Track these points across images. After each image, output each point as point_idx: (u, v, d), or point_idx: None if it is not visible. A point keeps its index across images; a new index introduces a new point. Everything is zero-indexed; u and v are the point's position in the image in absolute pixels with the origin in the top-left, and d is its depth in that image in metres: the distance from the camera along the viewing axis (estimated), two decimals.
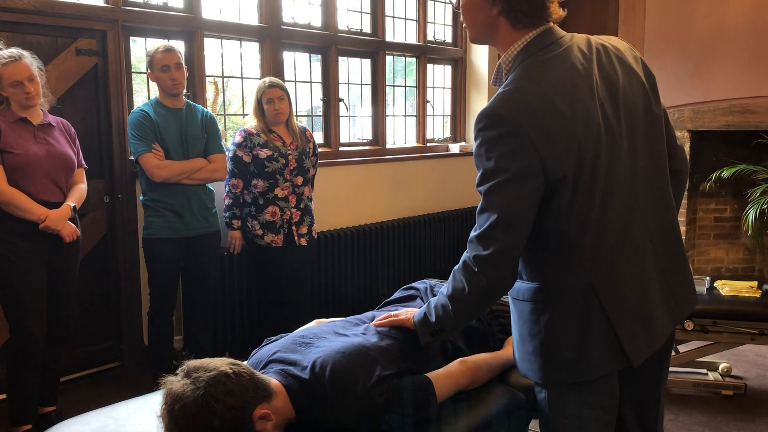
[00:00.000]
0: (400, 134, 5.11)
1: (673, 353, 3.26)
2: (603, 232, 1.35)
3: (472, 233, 1.38)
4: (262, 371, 1.63)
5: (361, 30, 4.65)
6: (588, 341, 1.36)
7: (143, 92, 3.61)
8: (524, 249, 1.37)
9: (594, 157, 1.32)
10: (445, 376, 1.69)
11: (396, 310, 1.99)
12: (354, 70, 4.65)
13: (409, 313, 1.72)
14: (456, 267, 1.43)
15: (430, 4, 5.15)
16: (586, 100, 1.32)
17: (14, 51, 2.60)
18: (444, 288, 1.48)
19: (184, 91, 3.16)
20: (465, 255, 1.39)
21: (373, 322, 1.81)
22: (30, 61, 2.61)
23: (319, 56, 4.41)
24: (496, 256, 1.33)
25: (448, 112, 5.48)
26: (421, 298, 2.07)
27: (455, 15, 5.42)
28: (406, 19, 5.01)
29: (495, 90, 1.41)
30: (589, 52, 1.40)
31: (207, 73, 3.75)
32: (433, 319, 1.51)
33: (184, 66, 3.10)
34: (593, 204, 1.33)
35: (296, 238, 3.44)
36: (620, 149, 1.37)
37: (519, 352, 1.49)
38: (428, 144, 5.23)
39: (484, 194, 1.33)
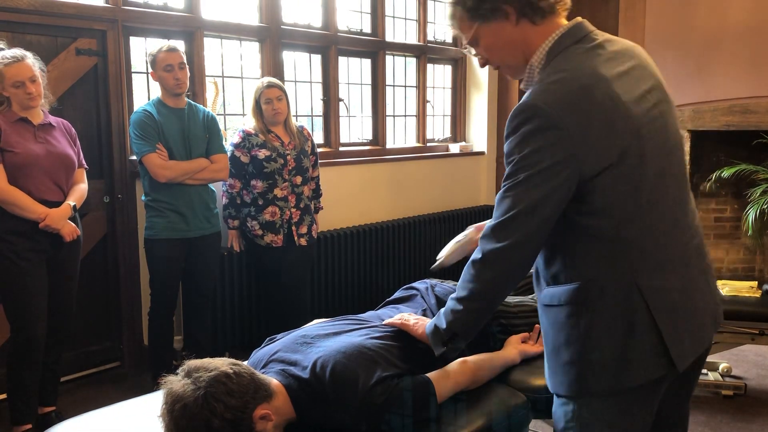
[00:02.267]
0: (400, 134, 5.11)
1: None
2: (651, 227, 1.30)
3: (488, 224, 1.33)
4: (263, 371, 1.63)
5: (361, 30, 4.66)
6: (631, 345, 1.28)
7: (143, 92, 3.61)
8: (565, 248, 1.32)
9: (637, 148, 1.27)
10: (446, 376, 1.69)
11: (397, 310, 2.00)
12: (354, 70, 4.65)
13: (421, 322, 1.71)
14: (465, 269, 1.39)
15: (430, 4, 5.15)
16: (624, 93, 1.28)
17: (17, 51, 2.60)
18: (455, 290, 1.43)
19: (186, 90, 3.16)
20: (476, 252, 1.35)
21: (385, 321, 1.81)
22: (32, 61, 2.62)
23: (319, 56, 4.41)
24: (510, 249, 1.28)
25: (448, 112, 5.48)
26: (422, 297, 2.07)
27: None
28: (406, 19, 5.01)
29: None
30: (618, 46, 1.37)
31: (207, 73, 3.75)
32: (444, 325, 1.45)
33: (186, 66, 3.10)
34: (639, 198, 1.27)
35: (296, 238, 3.44)
36: (662, 144, 1.33)
37: (552, 365, 1.38)
38: (428, 144, 5.23)
39: (510, 186, 1.27)
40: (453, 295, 1.43)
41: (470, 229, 1.94)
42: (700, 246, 1.41)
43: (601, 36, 1.37)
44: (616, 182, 1.26)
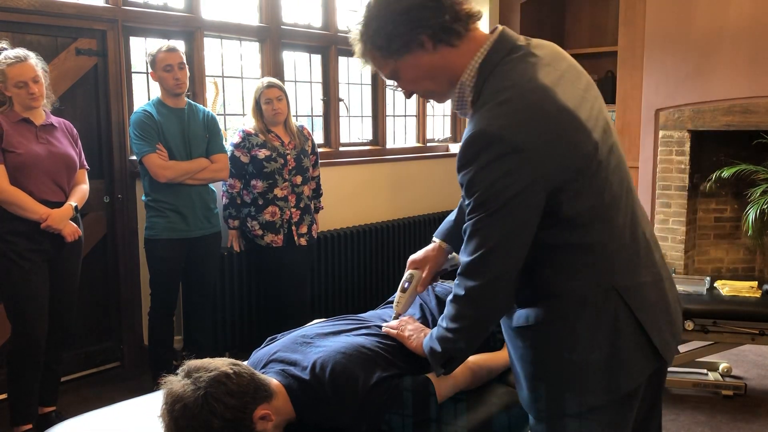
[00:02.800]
0: (400, 134, 5.11)
1: None
2: (616, 227, 1.28)
3: (462, 263, 1.27)
4: (262, 371, 1.63)
5: None
6: (621, 349, 1.26)
7: (143, 92, 3.61)
8: (536, 266, 1.27)
9: (594, 152, 1.24)
10: (446, 376, 1.69)
11: None
12: (354, 70, 4.65)
13: (415, 335, 1.69)
14: (449, 298, 1.34)
15: None
16: (568, 100, 1.23)
17: (20, 51, 2.60)
18: (442, 319, 1.38)
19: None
20: (456, 287, 1.30)
21: (383, 329, 1.79)
22: (35, 62, 2.61)
23: (319, 56, 4.41)
24: (493, 283, 1.24)
25: (448, 112, 5.48)
26: (422, 297, 2.07)
27: None
28: None
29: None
30: (545, 49, 1.33)
31: (207, 73, 3.75)
32: (439, 349, 1.40)
33: (186, 66, 3.10)
34: (603, 200, 1.26)
35: (296, 237, 3.44)
36: (608, 140, 1.30)
37: (536, 389, 1.32)
38: (428, 144, 5.23)
39: (480, 218, 1.21)
40: (442, 323, 1.37)
41: (411, 271, 1.77)
42: (653, 234, 1.40)
43: (525, 41, 1.33)
44: (581, 190, 1.23)
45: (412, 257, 1.76)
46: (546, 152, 1.18)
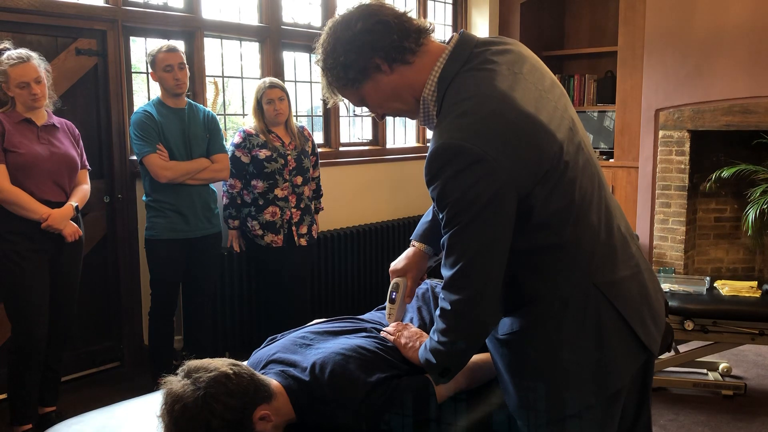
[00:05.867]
0: (400, 134, 5.11)
1: (672, 353, 3.27)
2: (591, 224, 1.28)
3: (445, 277, 1.27)
4: (262, 371, 1.63)
5: None
6: (607, 346, 1.26)
7: (143, 92, 3.61)
8: (514, 272, 1.27)
9: (559, 152, 1.23)
10: None
11: None
12: None
13: (411, 343, 1.67)
14: (437, 312, 1.32)
15: (430, 4, 5.15)
16: (529, 103, 1.24)
17: (22, 52, 2.60)
18: (434, 332, 1.36)
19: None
20: (441, 300, 1.29)
21: (381, 333, 1.78)
22: (38, 62, 2.62)
23: None
24: (477, 296, 1.23)
25: None
26: (422, 297, 2.07)
27: (454, 15, 5.43)
28: None
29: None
30: (507, 54, 1.32)
31: (207, 73, 3.75)
32: (434, 361, 1.39)
33: (186, 66, 3.10)
34: (574, 198, 1.25)
35: (296, 238, 3.44)
36: (574, 138, 1.30)
37: (525, 394, 1.32)
38: (428, 144, 5.22)
39: (455, 232, 1.21)
40: (434, 336, 1.36)
41: (396, 280, 1.71)
42: (629, 228, 1.40)
43: (484, 46, 1.32)
44: (552, 192, 1.23)
45: (393, 266, 1.70)
46: (510, 158, 1.18)
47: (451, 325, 1.30)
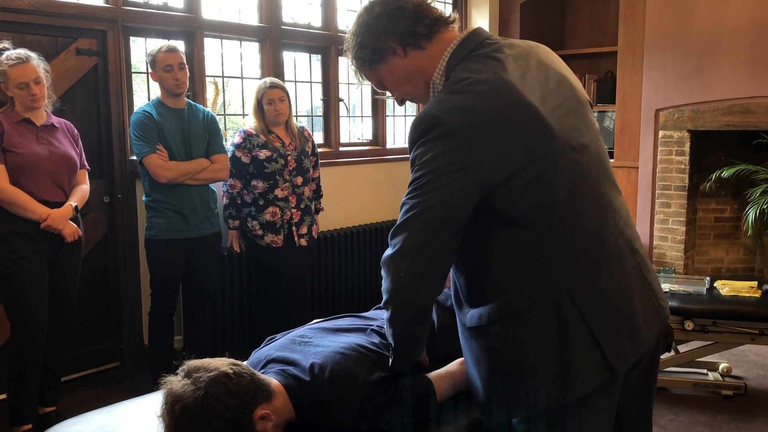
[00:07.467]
0: (400, 134, 5.11)
1: (672, 353, 3.27)
2: (576, 228, 1.26)
3: (387, 252, 1.29)
4: (262, 371, 1.63)
5: None
6: (570, 354, 1.24)
7: (143, 92, 3.61)
8: (487, 264, 1.28)
9: (548, 149, 1.23)
10: (445, 375, 1.69)
11: None
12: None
13: None
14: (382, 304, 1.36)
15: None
16: (529, 94, 1.25)
17: (22, 52, 2.60)
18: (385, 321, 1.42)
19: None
20: (384, 282, 1.31)
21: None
22: (37, 63, 2.61)
23: (319, 56, 4.41)
24: (407, 251, 1.25)
25: None
26: None
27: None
28: None
29: None
30: (518, 48, 1.35)
31: (207, 73, 3.75)
32: (392, 357, 1.52)
33: (186, 66, 3.10)
34: (557, 199, 1.24)
35: (296, 238, 3.44)
36: (575, 141, 1.29)
37: (490, 389, 1.32)
38: None
39: (411, 190, 1.25)
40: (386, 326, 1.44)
41: None
42: (632, 241, 1.36)
43: (501, 40, 1.36)
44: (530, 187, 1.22)
45: None
46: (487, 141, 1.21)
47: (383, 286, 1.32)
